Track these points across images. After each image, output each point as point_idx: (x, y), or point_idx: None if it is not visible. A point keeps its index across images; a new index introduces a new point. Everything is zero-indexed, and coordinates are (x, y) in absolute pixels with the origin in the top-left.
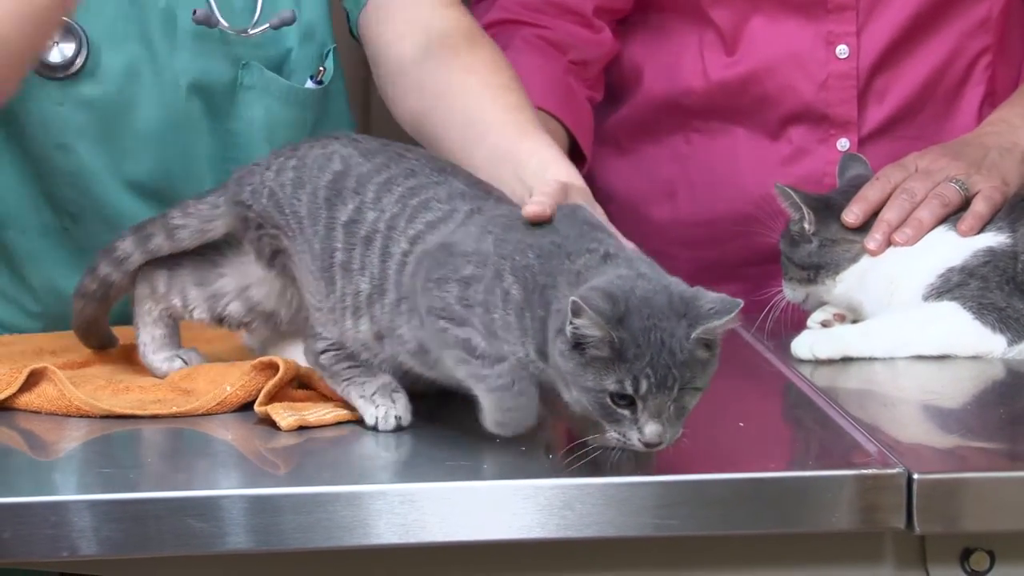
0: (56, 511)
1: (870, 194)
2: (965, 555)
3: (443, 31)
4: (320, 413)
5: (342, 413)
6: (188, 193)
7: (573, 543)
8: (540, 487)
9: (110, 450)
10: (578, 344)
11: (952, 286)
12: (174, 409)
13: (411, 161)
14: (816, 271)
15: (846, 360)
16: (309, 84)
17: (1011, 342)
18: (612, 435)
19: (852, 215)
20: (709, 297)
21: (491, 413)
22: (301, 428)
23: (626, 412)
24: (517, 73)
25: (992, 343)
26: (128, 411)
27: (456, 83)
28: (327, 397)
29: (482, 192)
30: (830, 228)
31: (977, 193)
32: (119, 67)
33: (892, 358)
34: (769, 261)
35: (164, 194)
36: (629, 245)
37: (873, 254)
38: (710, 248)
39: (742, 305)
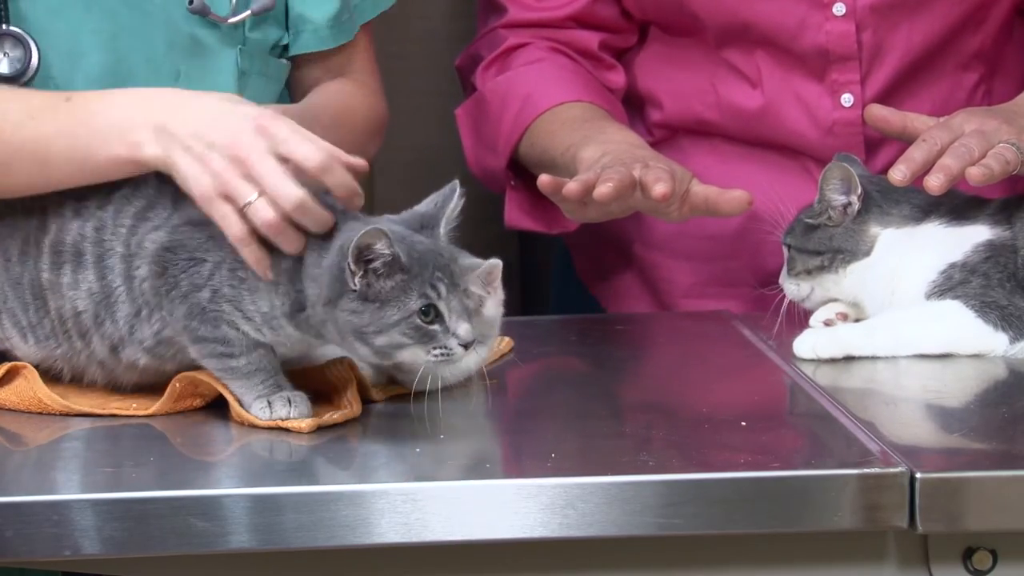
0: (58, 510)
1: (916, 155)
2: (968, 554)
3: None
4: (328, 414)
5: (346, 412)
6: None
7: (575, 542)
8: (543, 486)
9: (112, 449)
10: (366, 296)
11: (954, 284)
12: (133, 407)
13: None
14: (834, 256)
15: (848, 359)
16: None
17: (1013, 340)
18: (431, 356)
19: (899, 173)
20: (428, 203)
21: (248, 399)
22: (320, 428)
23: (436, 326)
24: (550, 75)
25: (994, 341)
26: (87, 409)
27: None
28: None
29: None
30: (861, 214)
31: None
32: (80, 65)
33: (894, 357)
34: (768, 284)
35: None
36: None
37: (933, 191)
38: (712, 263)
39: (456, 185)
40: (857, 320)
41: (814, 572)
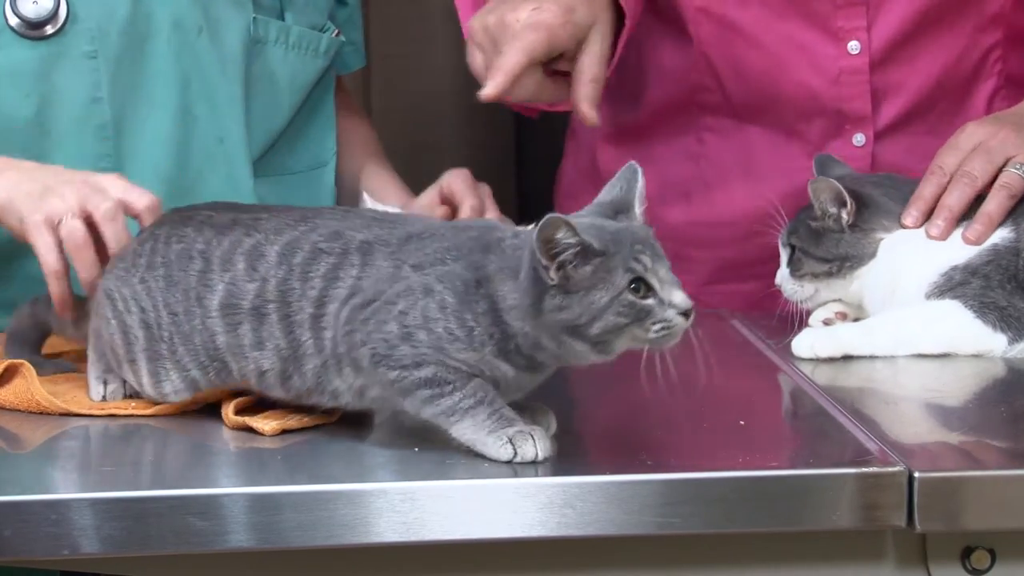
0: (57, 509)
1: (927, 191)
2: (966, 553)
3: None
4: (298, 418)
5: (318, 417)
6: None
7: (574, 541)
8: (541, 485)
9: (111, 448)
10: (567, 288)
11: (954, 284)
12: (132, 407)
13: (272, 220)
14: (843, 263)
15: (847, 358)
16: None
17: (1012, 341)
18: (652, 333)
19: (911, 218)
20: (611, 189)
21: (480, 436)
22: (284, 432)
23: (650, 300)
24: None
25: (993, 342)
26: (86, 411)
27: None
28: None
29: (360, 220)
30: (863, 218)
31: None
32: (113, 16)
33: (893, 356)
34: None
35: (187, 148)
36: None
37: (936, 239)
38: (727, 248)
39: (635, 165)
40: (857, 319)
41: (812, 571)
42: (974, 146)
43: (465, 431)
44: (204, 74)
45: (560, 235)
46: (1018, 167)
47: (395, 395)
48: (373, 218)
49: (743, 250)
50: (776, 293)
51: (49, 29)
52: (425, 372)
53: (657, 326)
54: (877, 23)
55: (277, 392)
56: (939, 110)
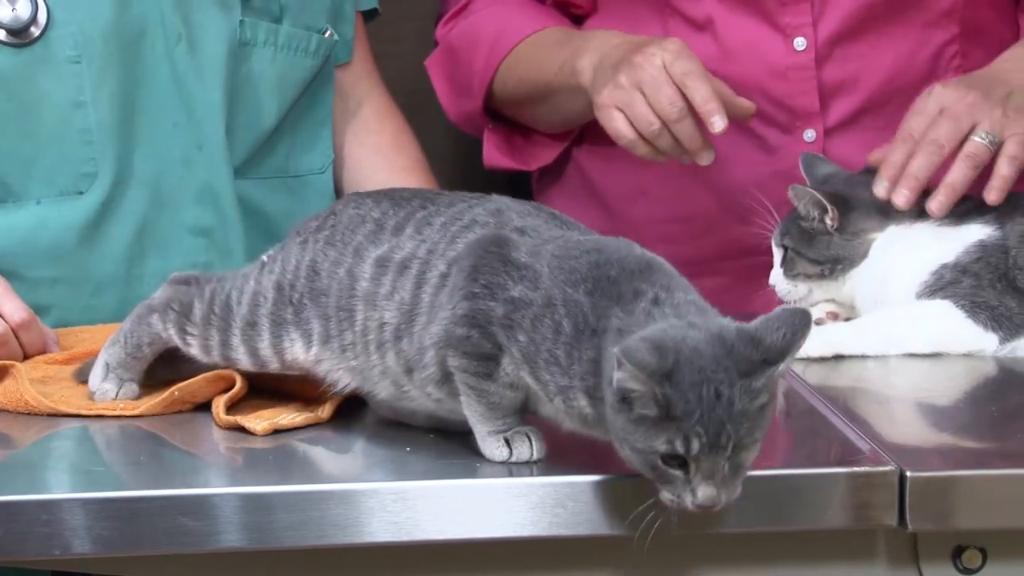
0: (48, 509)
1: (895, 158)
2: (957, 552)
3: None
4: (290, 417)
5: (310, 416)
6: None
7: (565, 541)
8: (532, 485)
9: (102, 448)
10: (624, 399)
11: (945, 284)
12: (120, 407)
13: (448, 196)
14: (834, 264)
15: (838, 358)
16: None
17: (1003, 340)
18: (665, 495)
19: (881, 187)
20: (772, 325)
21: (481, 430)
22: (276, 432)
23: (678, 473)
24: (514, 12)
25: (984, 341)
26: (73, 411)
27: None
28: (292, 400)
29: (527, 208)
30: (850, 221)
31: (1002, 145)
32: (96, 20)
33: (884, 356)
34: (746, 255)
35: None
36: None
37: (902, 208)
38: (685, 244)
39: (811, 317)
40: (848, 319)
41: (804, 571)
42: (940, 109)
43: (474, 413)
44: (182, 82)
45: (640, 376)
46: (983, 136)
47: (448, 346)
48: (541, 212)
49: (698, 247)
50: (746, 294)
51: (31, 34)
52: (498, 356)
53: (668, 496)
54: (823, 19)
55: (390, 357)
56: (894, 106)
